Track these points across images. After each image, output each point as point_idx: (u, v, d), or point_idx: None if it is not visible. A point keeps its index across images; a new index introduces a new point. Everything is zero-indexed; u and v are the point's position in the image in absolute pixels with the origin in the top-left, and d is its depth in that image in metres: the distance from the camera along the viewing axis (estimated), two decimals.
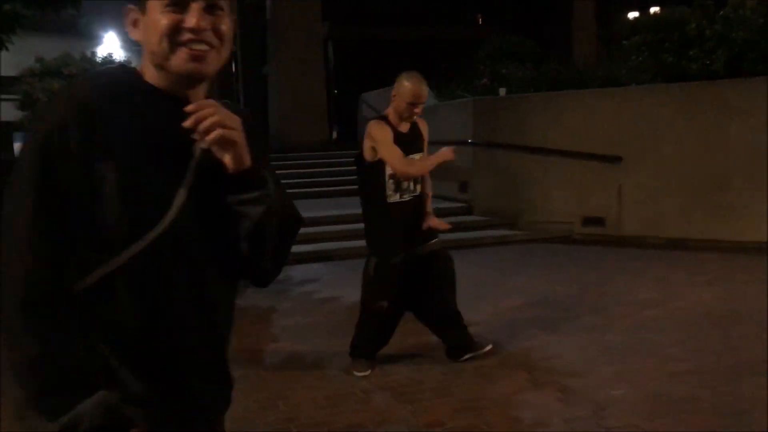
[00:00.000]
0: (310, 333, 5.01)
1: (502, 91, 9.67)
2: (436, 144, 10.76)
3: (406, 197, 3.96)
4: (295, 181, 11.58)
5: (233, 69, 18.04)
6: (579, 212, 8.38)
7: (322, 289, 6.34)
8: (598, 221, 8.23)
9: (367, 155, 3.91)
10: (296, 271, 7.18)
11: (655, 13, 11.14)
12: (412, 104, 3.87)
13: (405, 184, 3.94)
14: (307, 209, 9.30)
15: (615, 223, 8.14)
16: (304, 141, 14.07)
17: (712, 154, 7.51)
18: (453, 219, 9.03)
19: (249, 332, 5.06)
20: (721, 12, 7.83)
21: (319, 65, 15.52)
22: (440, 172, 10.58)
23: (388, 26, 17.47)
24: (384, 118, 3.96)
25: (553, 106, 8.65)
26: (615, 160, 8.04)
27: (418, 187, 4.02)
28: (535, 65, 10.94)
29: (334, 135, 16.84)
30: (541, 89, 9.58)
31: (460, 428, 3.28)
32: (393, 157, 3.81)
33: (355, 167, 4.07)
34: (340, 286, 6.42)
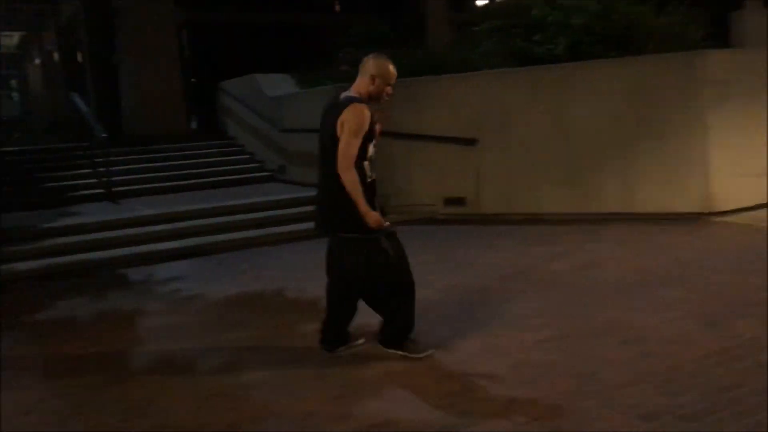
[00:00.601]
0: (178, 333, 4.85)
1: None
2: (299, 132, 10.74)
3: (374, 176, 3.92)
4: (151, 175, 11.08)
5: (79, 58, 16.91)
6: (441, 193, 8.68)
7: (189, 287, 6.13)
8: (459, 201, 8.56)
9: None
10: (161, 270, 6.90)
11: (502, 0, 11.65)
12: (391, 86, 3.86)
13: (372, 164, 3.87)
14: (166, 204, 9.03)
15: (474, 202, 8.51)
16: (160, 133, 13.46)
17: (559, 133, 8.01)
18: None
19: (110, 337, 4.82)
20: None
21: (173, 53, 14.85)
22: (307, 159, 10.46)
23: (247, 11, 17.01)
24: (362, 101, 3.79)
25: (413, 91, 8.85)
26: (471, 142, 8.38)
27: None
28: (393, 51, 11.10)
29: (193, 126, 16.24)
30: (399, 75, 9.75)
31: (335, 416, 3.30)
32: (352, 153, 3.70)
33: (327, 146, 3.84)
34: (209, 282, 6.27)
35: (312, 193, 9.22)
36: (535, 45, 8.38)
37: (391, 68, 3.87)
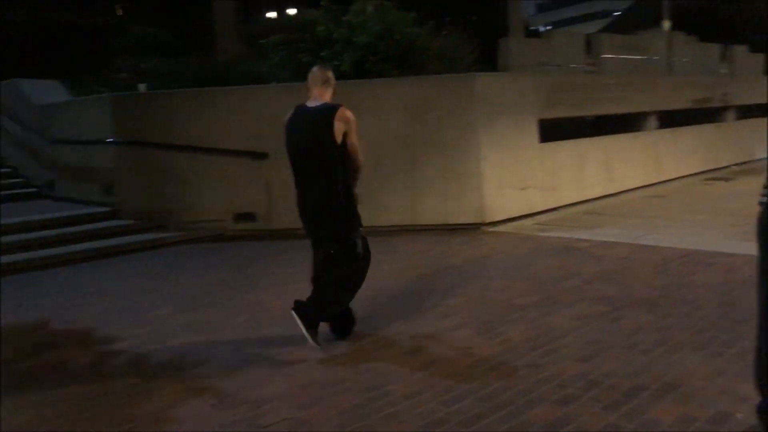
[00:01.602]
0: None
1: (142, 87, 9.22)
2: (73, 143, 9.82)
3: None
4: None
5: None
6: (231, 209, 8.42)
7: None
8: (250, 216, 8.37)
9: (339, 138, 4.10)
10: None
11: (290, 14, 11.68)
12: None
13: None
14: None
15: (266, 217, 8.38)
16: None
17: None
18: (97, 225, 8.38)
19: None
20: (345, 17, 8.54)
21: None
22: (80, 174, 9.63)
23: (9, 7, 15.27)
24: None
25: (199, 103, 8.52)
26: (262, 156, 8.25)
27: None
28: (178, 61, 10.65)
29: None
30: (185, 85, 9.36)
31: None
32: (359, 149, 4.19)
33: (319, 153, 4.12)
34: None
35: (83, 210, 8.60)
36: (322, 61, 8.47)
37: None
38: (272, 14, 16.05)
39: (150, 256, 7.59)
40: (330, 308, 4.33)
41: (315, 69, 4.38)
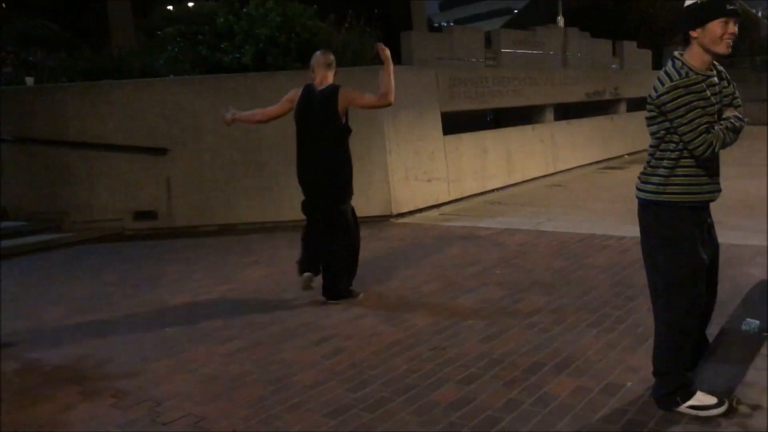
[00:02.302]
0: None
1: (30, 81, 8.71)
2: None
3: None
4: None
5: None
6: (129, 207, 8.10)
7: None
8: (150, 214, 8.09)
9: (343, 117, 4.73)
10: None
11: (187, 6, 11.35)
12: None
13: None
14: None
15: (166, 215, 8.11)
16: None
17: (250, 142, 8.02)
18: None
19: None
20: (245, 8, 8.37)
21: None
22: None
23: None
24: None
25: (92, 97, 8.14)
26: (161, 151, 7.98)
27: None
28: (69, 54, 10.12)
29: None
30: (77, 79, 8.91)
31: None
32: (372, 97, 4.78)
33: (324, 129, 4.71)
34: None
35: None
36: (222, 53, 8.28)
37: None
38: (170, 6, 15.55)
39: (43, 258, 7.18)
40: (352, 270, 4.95)
41: (318, 54, 4.86)
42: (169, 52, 8.88)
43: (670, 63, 2.75)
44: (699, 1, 2.64)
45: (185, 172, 8.07)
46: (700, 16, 2.64)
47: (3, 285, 6.04)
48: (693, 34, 2.67)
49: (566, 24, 15.85)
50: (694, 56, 2.71)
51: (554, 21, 17.05)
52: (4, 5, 18.66)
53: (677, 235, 2.78)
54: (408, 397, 3.21)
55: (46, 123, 8.10)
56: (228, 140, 7.99)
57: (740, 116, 2.74)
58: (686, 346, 2.85)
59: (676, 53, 2.77)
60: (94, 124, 8.04)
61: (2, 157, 8.17)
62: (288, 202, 8.01)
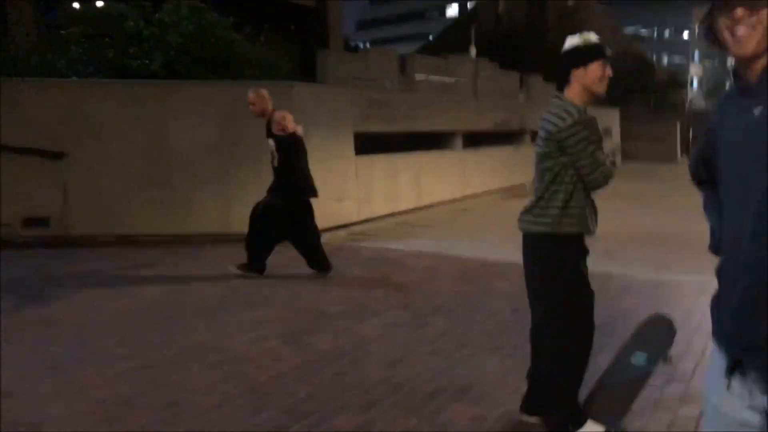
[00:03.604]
0: None
1: None
2: None
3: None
4: None
5: None
6: (19, 212, 7.61)
7: None
8: (43, 221, 7.63)
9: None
10: None
11: (96, 7, 10.89)
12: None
13: None
14: None
15: (61, 223, 7.68)
16: None
17: (156, 151, 7.76)
18: None
19: None
20: (157, 14, 8.13)
21: None
22: None
23: None
24: None
25: None
26: (58, 155, 7.57)
27: None
28: None
29: None
30: None
31: None
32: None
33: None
34: None
35: None
36: (130, 58, 7.99)
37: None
38: (76, 5, 14.87)
39: None
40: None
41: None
42: (73, 53, 8.47)
43: (558, 102, 2.88)
44: (582, 44, 2.82)
45: (84, 179, 7.68)
46: (582, 58, 2.82)
47: None
48: (576, 72, 2.82)
49: (477, 54, 16.35)
50: (575, 95, 2.86)
51: (467, 50, 17.56)
52: None
53: (571, 266, 2.89)
54: (306, 424, 3.15)
55: None
56: (135, 148, 7.69)
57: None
58: (579, 374, 2.95)
59: (556, 93, 2.91)
60: None
61: None
62: (193, 215, 7.79)
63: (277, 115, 5.83)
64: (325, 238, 7.97)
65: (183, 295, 5.52)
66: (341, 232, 8.39)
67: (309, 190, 6.01)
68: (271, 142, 5.91)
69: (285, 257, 6.89)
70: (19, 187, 7.60)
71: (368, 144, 9.20)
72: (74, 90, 7.85)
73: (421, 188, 10.40)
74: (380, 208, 9.39)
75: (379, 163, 9.48)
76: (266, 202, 5.99)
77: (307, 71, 9.78)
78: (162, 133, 7.75)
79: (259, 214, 6.01)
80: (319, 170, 8.21)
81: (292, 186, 5.95)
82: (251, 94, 5.95)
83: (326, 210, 8.33)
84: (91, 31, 8.52)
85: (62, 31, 9.29)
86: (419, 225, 9.12)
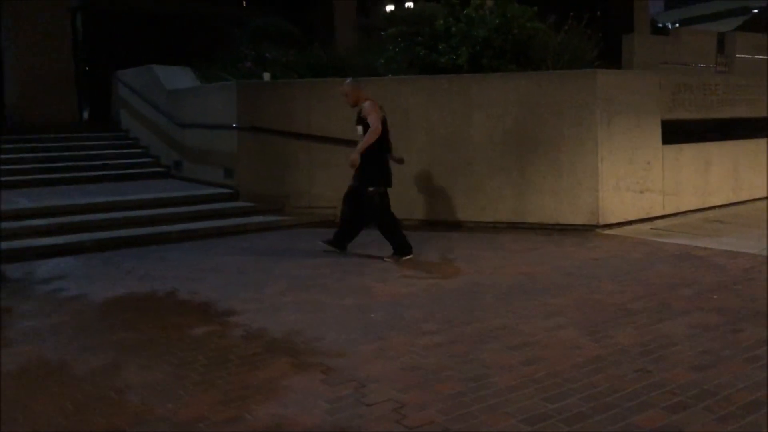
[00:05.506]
0: (54, 334, 4.55)
1: (267, 76, 9.60)
2: (198, 127, 10.41)
3: None
4: (35, 166, 10.45)
5: None
6: (341, 195, 8.60)
7: (70, 286, 5.78)
8: None
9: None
10: (41, 267, 6.48)
11: (409, 7, 11.78)
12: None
13: None
14: (49, 198, 8.51)
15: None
16: (49, 122, 12.71)
17: (459, 141, 8.17)
18: (218, 205, 8.87)
19: None
20: (465, 11, 8.51)
21: (65, 38, 14.10)
22: (204, 156, 10.14)
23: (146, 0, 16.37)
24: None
25: (317, 93, 8.78)
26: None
27: None
28: (298, 51, 11.01)
29: (85, 116, 15.43)
30: (305, 75, 9.66)
31: (224, 420, 3.19)
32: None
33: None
34: (93, 281, 5.93)
35: (207, 189, 9.12)
36: (439, 54, 8.50)
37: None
38: (391, 7, 16.22)
39: (265, 237, 7.93)
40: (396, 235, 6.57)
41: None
42: (390, 52, 9.29)
43: None
44: None
45: (395, 167, 8.38)
46: None
47: (231, 259, 6.77)
48: None
49: None
50: None
51: None
52: (244, 3, 20.67)
53: None
54: (608, 416, 3.11)
55: (277, 114, 8.88)
56: (440, 139, 8.20)
57: None
58: None
59: None
60: (317, 117, 8.67)
61: (238, 145, 9.10)
62: (491, 202, 8.05)
63: (367, 104, 6.33)
64: (625, 231, 7.69)
65: (483, 277, 5.77)
66: (644, 226, 7.97)
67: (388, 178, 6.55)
68: (359, 129, 6.38)
69: (577, 249, 6.79)
70: (342, 175, 8.57)
71: (677, 132, 8.56)
72: (388, 86, 8.58)
73: (738, 181, 9.37)
74: (688, 202, 8.69)
75: (689, 152, 8.76)
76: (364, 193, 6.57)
77: (611, 57, 9.42)
78: (464, 124, 8.13)
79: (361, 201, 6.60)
80: (621, 160, 7.93)
81: (375, 174, 6.43)
82: (345, 86, 6.55)
83: (627, 202, 8.00)
84: (405, 31, 9.25)
85: (382, 33, 10.24)
86: (734, 222, 8.25)
